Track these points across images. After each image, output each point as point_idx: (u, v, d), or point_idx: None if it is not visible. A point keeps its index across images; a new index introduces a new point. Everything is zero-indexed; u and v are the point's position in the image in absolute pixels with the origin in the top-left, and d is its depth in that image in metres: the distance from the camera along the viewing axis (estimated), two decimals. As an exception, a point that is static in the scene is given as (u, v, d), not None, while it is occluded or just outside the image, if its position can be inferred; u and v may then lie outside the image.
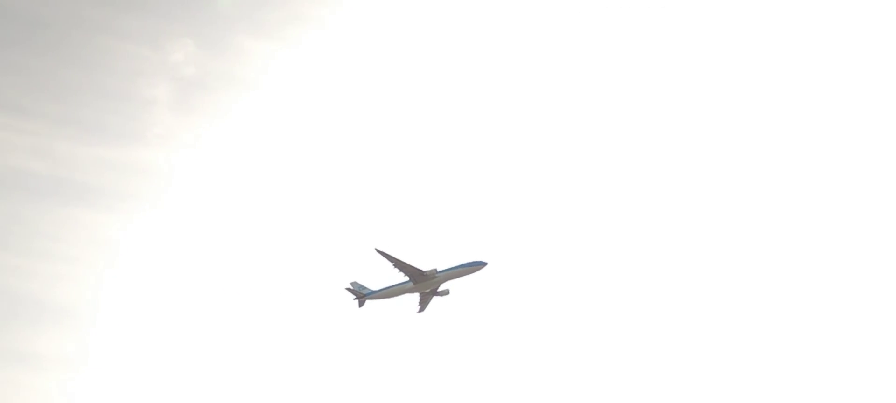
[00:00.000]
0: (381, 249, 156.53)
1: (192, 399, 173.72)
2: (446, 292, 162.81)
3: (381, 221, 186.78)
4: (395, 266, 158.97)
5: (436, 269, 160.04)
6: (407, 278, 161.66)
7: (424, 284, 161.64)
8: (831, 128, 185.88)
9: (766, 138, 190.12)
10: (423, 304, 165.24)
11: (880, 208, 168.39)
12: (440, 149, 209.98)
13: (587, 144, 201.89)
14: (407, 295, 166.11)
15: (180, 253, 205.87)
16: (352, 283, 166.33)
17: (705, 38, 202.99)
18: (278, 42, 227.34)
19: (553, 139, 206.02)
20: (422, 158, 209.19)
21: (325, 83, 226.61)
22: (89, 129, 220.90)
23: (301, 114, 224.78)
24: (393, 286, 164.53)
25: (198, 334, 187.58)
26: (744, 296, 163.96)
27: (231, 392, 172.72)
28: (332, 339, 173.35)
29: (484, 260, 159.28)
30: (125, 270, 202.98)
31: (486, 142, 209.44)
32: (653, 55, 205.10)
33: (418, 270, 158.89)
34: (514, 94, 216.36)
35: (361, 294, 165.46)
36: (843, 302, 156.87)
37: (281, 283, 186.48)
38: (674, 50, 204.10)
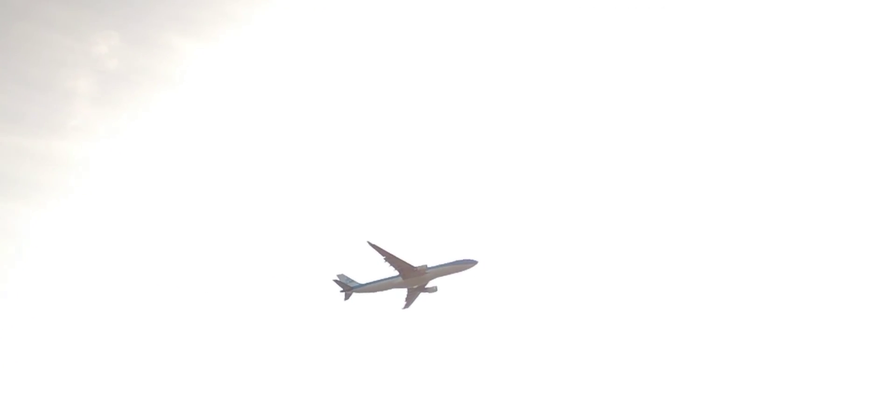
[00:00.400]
0: (373, 242, 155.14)
1: (98, 397, 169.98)
2: (434, 289, 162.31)
3: (318, 219, 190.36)
4: (386, 259, 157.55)
5: (426, 265, 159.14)
6: (396, 273, 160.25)
7: (413, 280, 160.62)
8: (831, 129, 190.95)
9: (761, 138, 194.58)
10: (410, 300, 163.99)
11: (880, 208, 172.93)
12: (362, 150, 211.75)
13: (576, 145, 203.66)
14: (390, 291, 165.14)
15: (91, 247, 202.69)
16: (339, 275, 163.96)
17: (701, 38, 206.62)
18: (205, 40, 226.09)
19: (525, 138, 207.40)
20: (347, 158, 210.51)
21: (250, 83, 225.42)
22: (6, 117, 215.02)
23: (224, 114, 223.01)
24: (381, 280, 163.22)
25: (105, 329, 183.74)
26: (737, 295, 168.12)
27: (141, 391, 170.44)
28: (284, 333, 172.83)
29: (474, 259, 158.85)
30: (34, 261, 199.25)
31: (412, 142, 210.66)
32: (642, 54, 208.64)
33: (409, 265, 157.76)
34: (464, 94, 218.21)
35: (348, 286, 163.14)
36: (843, 302, 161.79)
37: (194, 280, 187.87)
38: (665, 49, 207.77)
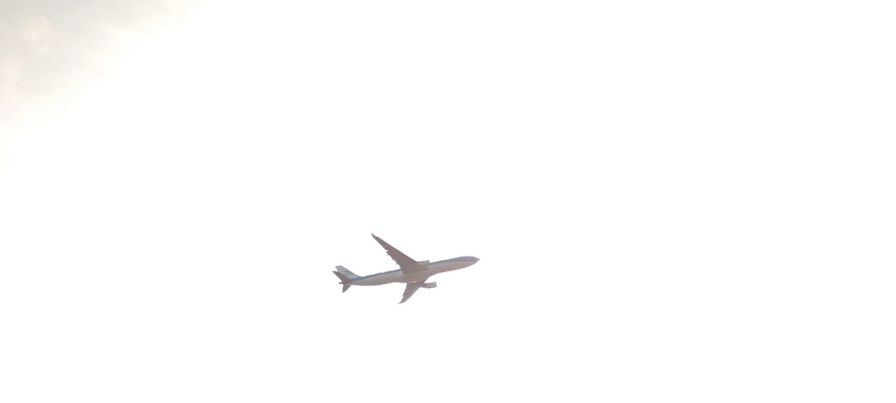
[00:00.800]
0: (376, 235, 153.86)
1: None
2: (433, 285, 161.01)
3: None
4: (389, 252, 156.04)
5: (428, 260, 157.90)
6: (396, 266, 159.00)
7: (414, 274, 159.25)
8: (831, 129, 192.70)
9: (761, 138, 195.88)
10: (407, 294, 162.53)
11: (880, 208, 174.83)
12: (288, 149, 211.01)
13: (578, 144, 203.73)
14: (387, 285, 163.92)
15: (10, 235, 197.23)
16: (337, 267, 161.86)
17: (701, 38, 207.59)
18: (139, 31, 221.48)
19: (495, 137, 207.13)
20: (272, 155, 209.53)
21: (184, 76, 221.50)
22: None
23: (156, 106, 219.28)
24: (381, 273, 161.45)
25: (22, 326, 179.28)
26: (737, 295, 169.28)
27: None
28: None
29: (476, 256, 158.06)
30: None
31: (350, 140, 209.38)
32: (642, 54, 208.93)
33: (411, 259, 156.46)
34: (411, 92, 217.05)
35: (347, 278, 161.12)
36: (844, 303, 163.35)
37: (118, 277, 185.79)
38: (665, 49, 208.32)
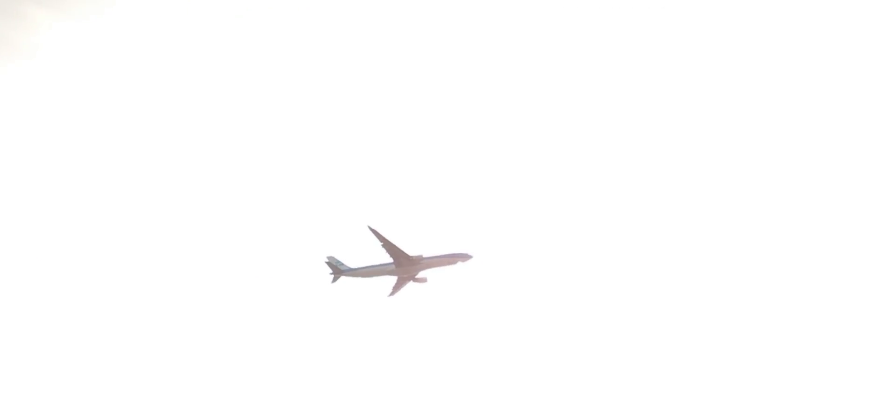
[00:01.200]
0: (373, 227, 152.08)
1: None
2: (424, 279, 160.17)
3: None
4: (383, 245, 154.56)
5: (422, 255, 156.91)
6: (387, 259, 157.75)
7: (406, 268, 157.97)
8: (831, 129, 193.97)
9: (761, 138, 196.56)
10: (397, 288, 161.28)
11: (880, 208, 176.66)
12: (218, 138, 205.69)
13: (575, 142, 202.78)
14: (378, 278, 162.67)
15: None
16: (329, 257, 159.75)
17: (701, 38, 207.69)
18: (64, 13, 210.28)
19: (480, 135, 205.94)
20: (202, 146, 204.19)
21: (111, 61, 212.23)
22: None
23: (80, 90, 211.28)
24: (372, 266, 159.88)
25: None
26: (735, 294, 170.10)
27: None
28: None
29: (469, 253, 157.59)
30: None
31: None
32: (641, 54, 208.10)
33: (405, 254, 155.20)
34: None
35: (338, 269, 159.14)
36: (844, 303, 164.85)
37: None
38: (664, 49, 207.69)
